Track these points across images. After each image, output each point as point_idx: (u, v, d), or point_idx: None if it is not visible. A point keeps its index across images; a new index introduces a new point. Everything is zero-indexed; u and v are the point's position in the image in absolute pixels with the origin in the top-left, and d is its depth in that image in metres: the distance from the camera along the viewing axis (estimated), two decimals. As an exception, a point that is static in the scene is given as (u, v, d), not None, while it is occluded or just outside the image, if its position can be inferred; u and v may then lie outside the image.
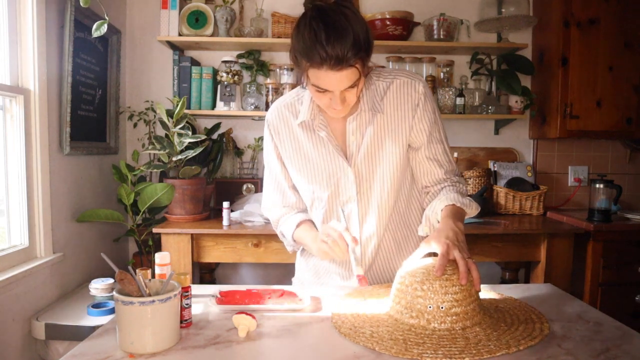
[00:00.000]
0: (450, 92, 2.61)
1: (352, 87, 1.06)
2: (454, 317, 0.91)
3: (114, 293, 0.86)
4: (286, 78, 2.64)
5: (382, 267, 1.28)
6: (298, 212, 1.31)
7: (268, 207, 1.36)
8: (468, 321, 0.92)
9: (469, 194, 1.28)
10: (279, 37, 2.56)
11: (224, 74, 2.58)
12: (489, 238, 2.28)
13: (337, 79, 1.03)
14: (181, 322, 0.95)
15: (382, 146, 1.19)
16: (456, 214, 1.11)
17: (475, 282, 0.95)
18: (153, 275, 1.00)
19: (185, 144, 2.22)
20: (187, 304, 0.96)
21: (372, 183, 1.21)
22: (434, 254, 1.00)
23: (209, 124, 2.71)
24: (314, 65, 1.01)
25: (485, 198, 2.58)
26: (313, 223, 1.30)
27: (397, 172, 1.21)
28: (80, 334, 1.77)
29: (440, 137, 1.22)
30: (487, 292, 1.16)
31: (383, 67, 2.33)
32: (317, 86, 1.06)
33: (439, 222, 1.12)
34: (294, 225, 1.27)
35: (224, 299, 1.12)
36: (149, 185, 2.25)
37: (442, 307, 0.91)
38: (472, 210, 1.17)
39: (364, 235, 1.24)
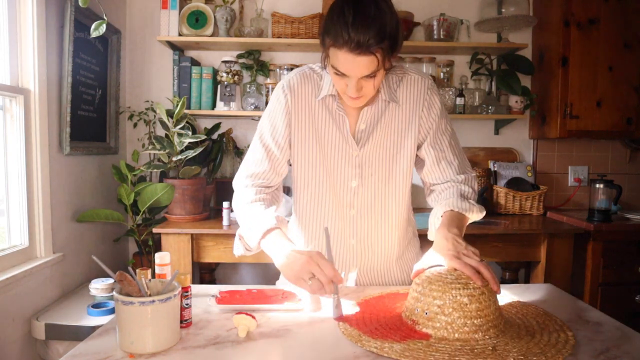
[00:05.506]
0: (450, 92, 2.61)
1: (369, 77, 1.07)
2: (470, 328, 0.88)
3: (114, 293, 0.86)
4: (286, 78, 2.64)
5: (377, 251, 1.28)
6: (268, 207, 1.18)
7: (244, 179, 1.24)
8: (491, 331, 0.89)
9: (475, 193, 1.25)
10: (279, 37, 2.56)
11: (224, 74, 2.58)
12: (489, 238, 2.28)
13: (355, 64, 1.04)
14: (181, 322, 0.94)
15: (391, 136, 1.22)
16: (453, 220, 1.11)
17: (490, 282, 0.94)
18: (153, 276, 1.00)
19: (185, 144, 2.22)
20: (187, 304, 0.96)
21: (376, 170, 1.22)
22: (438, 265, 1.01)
23: (209, 124, 2.71)
24: (335, 45, 1.03)
25: (485, 198, 2.58)
26: (281, 227, 1.14)
27: (401, 163, 1.23)
28: (80, 334, 1.77)
29: (446, 130, 1.24)
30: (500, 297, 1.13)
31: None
32: (336, 68, 1.07)
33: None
34: (260, 232, 1.11)
35: (224, 299, 1.12)
36: (149, 185, 2.25)
37: (455, 316, 0.89)
38: (473, 214, 1.16)
39: (361, 220, 1.25)
